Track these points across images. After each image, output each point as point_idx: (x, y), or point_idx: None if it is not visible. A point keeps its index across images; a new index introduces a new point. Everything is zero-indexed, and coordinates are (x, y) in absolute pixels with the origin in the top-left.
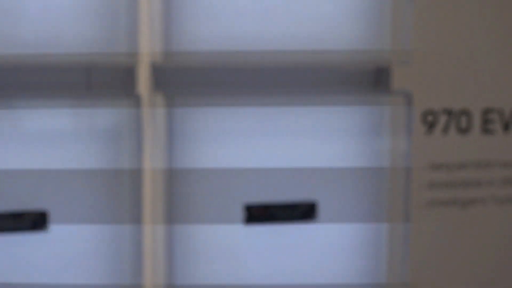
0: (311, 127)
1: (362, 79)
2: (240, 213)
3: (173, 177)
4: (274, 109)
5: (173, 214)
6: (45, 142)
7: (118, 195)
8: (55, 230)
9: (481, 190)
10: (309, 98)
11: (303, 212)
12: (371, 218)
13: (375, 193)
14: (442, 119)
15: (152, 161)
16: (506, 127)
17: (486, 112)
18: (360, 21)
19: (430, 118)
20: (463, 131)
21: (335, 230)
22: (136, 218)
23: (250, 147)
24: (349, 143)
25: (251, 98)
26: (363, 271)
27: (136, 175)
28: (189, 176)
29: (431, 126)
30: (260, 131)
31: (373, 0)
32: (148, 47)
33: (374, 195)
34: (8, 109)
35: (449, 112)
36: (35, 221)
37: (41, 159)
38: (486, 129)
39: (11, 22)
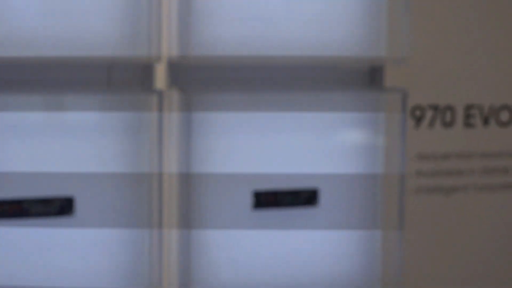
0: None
1: (358, 78)
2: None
3: (188, 180)
4: (280, 105)
5: (189, 218)
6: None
7: (139, 196)
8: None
9: (463, 179)
10: (311, 95)
11: (306, 198)
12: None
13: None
14: (429, 114)
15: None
16: (485, 121)
17: (468, 108)
18: (358, 25)
19: (418, 113)
20: (447, 125)
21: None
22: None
23: (259, 142)
24: (345, 135)
25: (258, 94)
26: (358, 248)
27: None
28: (203, 179)
29: (418, 120)
30: (266, 127)
31: (370, 5)
32: (166, 46)
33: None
34: (37, 104)
35: (435, 108)
36: (62, 206)
37: (66, 150)
38: (467, 123)
39: (40, 24)
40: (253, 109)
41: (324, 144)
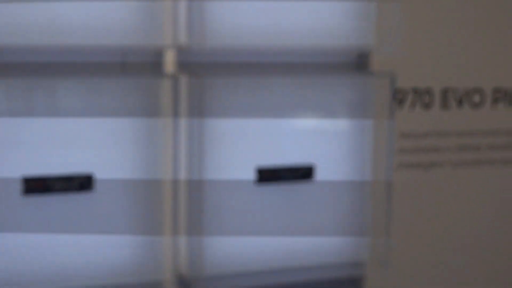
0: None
1: (347, 64)
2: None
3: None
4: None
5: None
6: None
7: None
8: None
9: (440, 155)
10: (310, 79)
11: (303, 173)
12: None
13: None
14: (410, 97)
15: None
16: (459, 103)
17: (444, 91)
18: (349, 15)
19: (400, 95)
20: (426, 106)
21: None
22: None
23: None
24: (338, 115)
25: (259, 79)
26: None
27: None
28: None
29: (400, 102)
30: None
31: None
32: (176, 34)
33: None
34: (57, 87)
35: (415, 91)
36: (83, 183)
37: (85, 129)
38: (444, 105)
39: (61, 14)
40: (255, 93)
41: (319, 124)
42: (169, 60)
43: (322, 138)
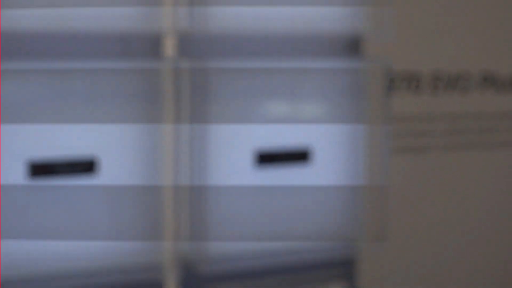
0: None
1: (340, 49)
2: None
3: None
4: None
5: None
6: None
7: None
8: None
9: (428, 139)
10: (304, 63)
11: (298, 156)
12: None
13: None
14: (400, 81)
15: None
16: (448, 87)
17: (433, 75)
18: (342, 2)
19: (390, 79)
20: (417, 91)
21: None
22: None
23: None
24: (334, 100)
25: (257, 63)
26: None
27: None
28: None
29: (391, 86)
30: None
31: None
32: (175, 18)
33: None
34: (61, 71)
35: (405, 75)
36: (86, 167)
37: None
38: (433, 89)
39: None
40: (252, 77)
41: (316, 107)
42: (170, 46)
43: (317, 123)
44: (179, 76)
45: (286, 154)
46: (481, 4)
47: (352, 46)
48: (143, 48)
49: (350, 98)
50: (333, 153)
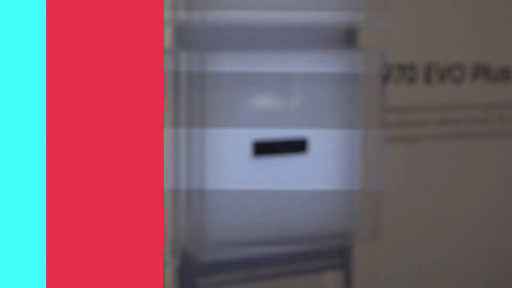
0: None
1: (336, 40)
2: None
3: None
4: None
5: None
6: None
7: None
8: None
9: (422, 129)
10: (304, 54)
11: (297, 146)
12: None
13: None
14: (395, 72)
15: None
16: (441, 78)
17: (427, 66)
18: None
19: (386, 70)
20: (411, 81)
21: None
22: None
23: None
24: (330, 90)
25: (255, 53)
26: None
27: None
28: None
29: (386, 77)
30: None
31: None
32: (173, 9)
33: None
34: None
35: (400, 66)
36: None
37: None
38: (427, 80)
39: None
40: (251, 68)
41: (312, 99)
42: (167, 37)
43: (313, 113)
44: (178, 67)
45: (283, 144)
46: None
47: (347, 37)
48: None
49: (346, 88)
50: (330, 143)
